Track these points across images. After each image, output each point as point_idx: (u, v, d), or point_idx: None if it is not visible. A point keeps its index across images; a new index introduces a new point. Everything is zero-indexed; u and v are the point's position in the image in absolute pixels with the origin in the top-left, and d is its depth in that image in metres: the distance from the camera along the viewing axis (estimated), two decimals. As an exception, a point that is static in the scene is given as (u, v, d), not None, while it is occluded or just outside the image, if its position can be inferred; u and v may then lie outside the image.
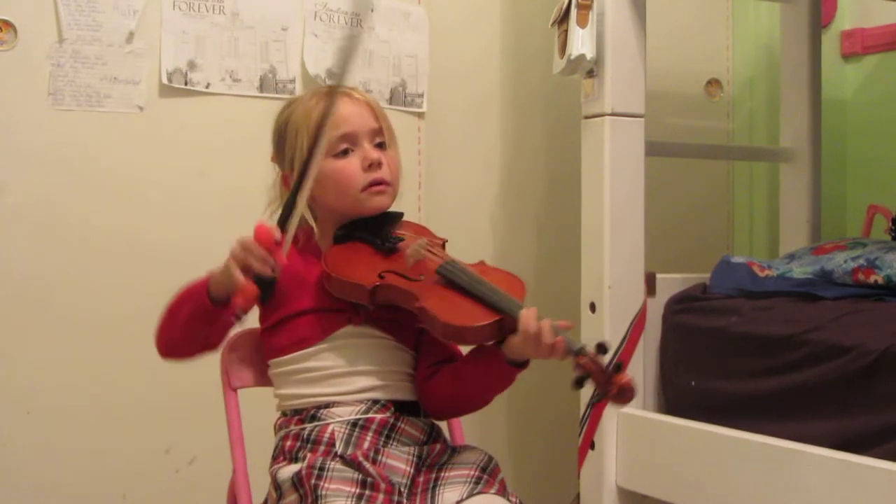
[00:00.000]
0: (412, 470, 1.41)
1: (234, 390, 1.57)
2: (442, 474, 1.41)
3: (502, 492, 1.41)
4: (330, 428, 1.41)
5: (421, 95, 2.39)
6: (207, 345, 1.46)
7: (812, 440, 1.67)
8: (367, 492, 1.33)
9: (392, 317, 1.45)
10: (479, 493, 1.38)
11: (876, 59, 2.72)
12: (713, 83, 2.80)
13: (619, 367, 1.30)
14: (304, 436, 1.42)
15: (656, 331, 2.08)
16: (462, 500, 1.37)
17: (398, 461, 1.41)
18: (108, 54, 2.06)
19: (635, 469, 1.98)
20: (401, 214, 1.56)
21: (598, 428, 2.01)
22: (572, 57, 1.97)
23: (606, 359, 1.30)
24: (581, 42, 1.97)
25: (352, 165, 1.48)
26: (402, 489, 1.38)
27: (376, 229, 1.51)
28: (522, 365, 1.40)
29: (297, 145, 1.49)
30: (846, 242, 2.06)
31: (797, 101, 2.43)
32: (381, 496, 1.33)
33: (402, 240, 1.50)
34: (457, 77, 2.46)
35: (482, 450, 1.46)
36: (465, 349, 1.49)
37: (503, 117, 2.55)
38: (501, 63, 2.54)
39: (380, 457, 1.40)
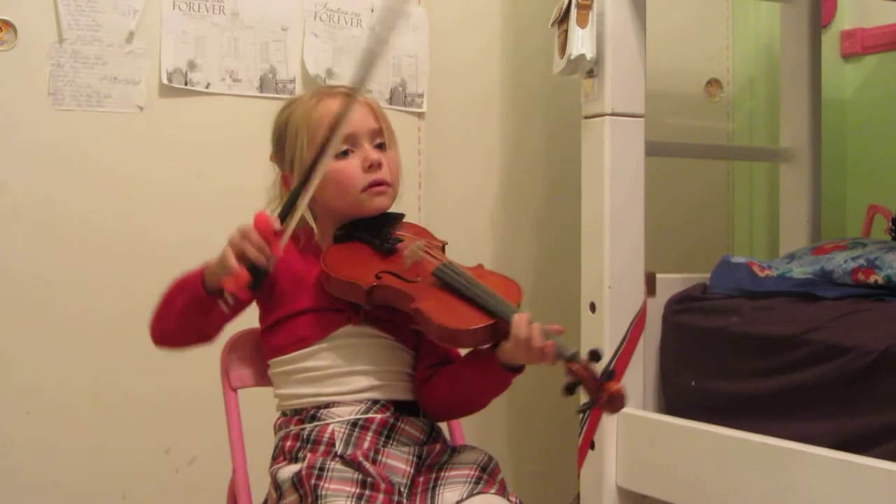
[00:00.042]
0: (412, 470, 1.41)
1: (234, 390, 1.57)
2: (442, 474, 1.41)
3: (502, 492, 1.41)
4: (330, 428, 1.41)
5: (421, 95, 2.39)
6: (202, 336, 1.46)
7: (812, 440, 1.66)
8: (366, 492, 1.33)
9: (392, 317, 1.45)
10: (478, 493, 1.38)
11: (876, 59, 2.72)
12: (713, 83, 2.80)
13: (612, 374, 1.29)
14: (304, 436, 1.42)
15: (656, 331, 2.08)
16: (462, 500, 1.37)
17: (398, 461, 1.41)
18: (108, 54, 2.06)
19: (635, 469, 1.98)
20: (402, 216, 1.57)
21: (598, 428, 2.01)
22: (572, 57, 1.97)
23: (599, 366, 1.30)
24: (581, 42, 1.97)
25: (352, 166, 1.48)
26: (402, 489, 1.38)
27: (376, 230, 1.51)
28: (517, 370, 1.40)
29: (297, 145, 1.50)
30: (846, 242, 2.06)
31: (797, 101, 2.43)
32: (380, 496, 1.33)
33: (401, 241, 1.50)
34: (457, 77, 2.46)
35: (482, 450, 1.46)
36: (463, 351, 1.50)
37: (503, 117, 2.55)
38: (501, 63, 2.54)
39: (380, 457, 1.40)
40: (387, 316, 1.45)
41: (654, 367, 2.09)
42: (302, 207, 1.40)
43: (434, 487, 1.39)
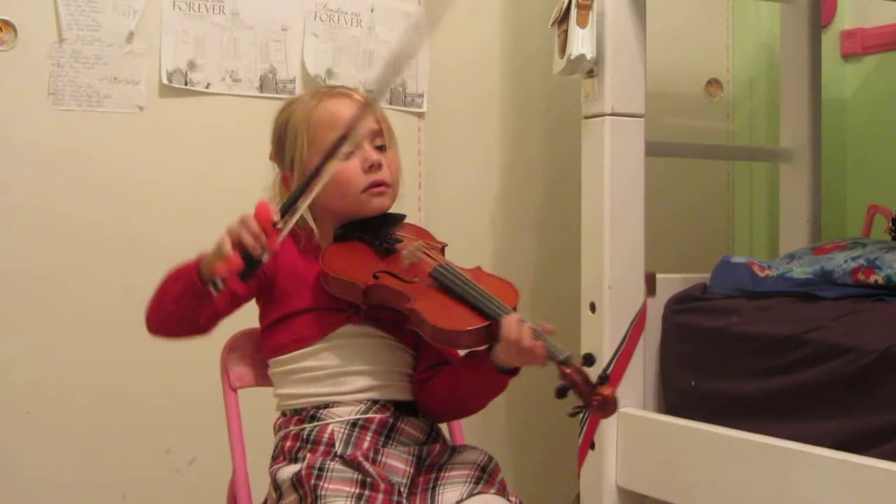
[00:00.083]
0: (412, 470, 1.41)
1: (234, 390, 1.57)
2: (442, 474, 1.41)
3: (502, 492, 1.41)
4: (329, 428, 1.41)
5: (421, 95, 2.39)
6: (196, 326, 1.44)
7: (812, 440, 1.66)
8: (366, 492, 1.33)
9: (392, 317, 1.45)
10: (478, 493, 1.38)
11: (876, 59, 2.72)
12: (713, 83, 2.80)
13: (605, 379, 1.29)
14: (304, 436, 1.42)
15: (656, 331, 2.08)
16: (462, 500, 1.37)
17: (398, 461, 1.41)
18: (108, 54, 2.06)
19: (635, 469, 1.98)
20: (403, 216, 1.57)
21: (598, 428, 2.01)
22: (572, 57, 1.97)
23: (592, 371, 1.30)
24: (581, 42, 1.97)
25: (352, 167, 1.48)
26: (402, 489, 1.38)
27: (376, 230, 1.51)
28: (512, 372, 1.40)
29: (297, 146, 1.50)
30: (846, 242, 2.06)
31: (797, 101, 2.43)
32: (380, 496, 1.33)
33: (400, 241, 1.50)
34: (457, 77, 2.46)
35: (482, 450, 1.46)
36: (461, 353, 1.50)
37: (503, 117, 2.55)
38: (501, 63, 2.54)
39: (379, 457, 1.40)
40: (387, 316, 1.45)
41: (654, 367, 2.09)
42: (302, 209, 1.40)
43: (434, 487, 1.40)
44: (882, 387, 1.63)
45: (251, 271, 1.32)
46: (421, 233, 1.59)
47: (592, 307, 2.02)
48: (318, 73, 2.26)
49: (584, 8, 1.97)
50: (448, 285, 1.41)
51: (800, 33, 2.43)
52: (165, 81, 2.11)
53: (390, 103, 2.33)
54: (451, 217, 2.41)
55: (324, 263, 1.44)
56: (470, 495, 1.38)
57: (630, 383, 2.01)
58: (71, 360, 2.04)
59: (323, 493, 1.32)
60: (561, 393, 1.29)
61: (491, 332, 1.36)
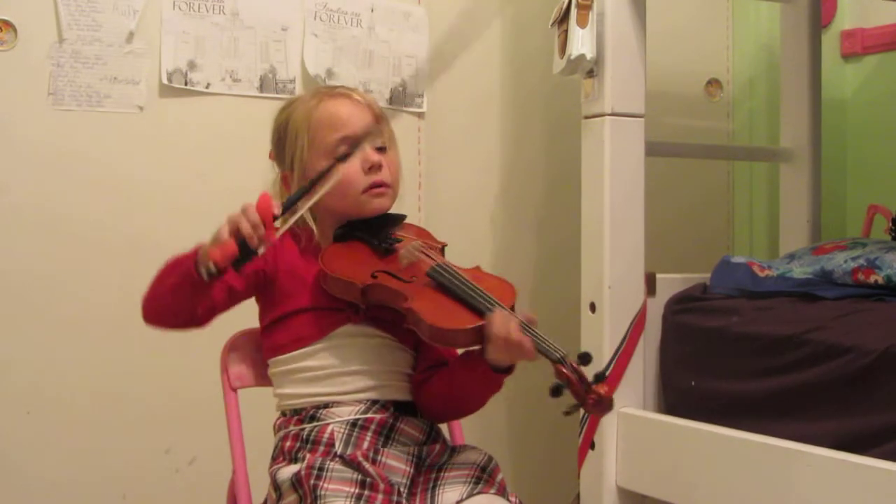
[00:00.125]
0: (412, 470, 1.41)
1: (234, 390, 1.57)
2: (442, 474, 1.41)
3: (502, 492, 1.41)
4: (329, 428, 1.41)
5: (421, 95, 2.39)
6: (193, 318, 1.43)
7: (812, 440, 1.66)
8: (366, 492, 1.33)
9: (392, 317, 1.45)
10: (478, 493, 1.38)
11: (876, 59, 2.72)
12: (713, 83, 2.80)
13: (601, 377, 1.29)
14: (304, 436, 1.42)
15: (656, 331, 2.08)
16: (462, 500, 1.37)
17: (398, 461, 1.41)
18: (108, 54, 2.06)
19: (635, 469, 1.98)
20: (403, 217, 1.57)
21: (598, 428, 2.01)
22: (572, 57, 1.97)
23: (588, 369, 1.30)
24: (581, 42, 1.97)
25: (352, 168, 1.48)
26: (402, 489, 1.38)
27: (376, 230, 1.51)
28: (507, 371, 1.40)
29: (297, 146, 1.50)
30: (846, 242, 2.06)
31: (797, 101, 2.43)
32: (380, 496, 1.33)
33: (399, 241, 1.51)
34: (457, 77, 2.46)
35: (482, 450, 1.46)
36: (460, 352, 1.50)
37: (503, 117, 2.55)
38: (501, 63, 2.54)
39: (379, 457, 1.40)
40: (387, 316, 1.45)
41: (654, 367, 2.09)
42: (303, 210, 1.40)
43: (434, 487, 1.40)
44: (882, 387, 1.63)
45: (245, 261, 1.31)
46: (421, 233, 1.59)
47: (592, 307, 2.02)
48: (318, 73, 2.26)
49: (584, 8, 1.97)
50: (445, 284, 1.42)
51: (800, 33, 2.43)
52: (165, 81, 2.11)
53: (390, 103, 2.33)
54: (451, 217, 2.41)
55: (323, 263, 1.45)
56: (470, 495, 1.38)
57: (630, 383, 2.01)
58: (71, 360, 2.04)
59: (322, 493, 1.32)
60: (556, 391, 1.29)
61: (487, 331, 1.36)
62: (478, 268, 1.51)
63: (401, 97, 2.36)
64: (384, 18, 2.34)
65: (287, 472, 1.40)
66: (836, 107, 2.70)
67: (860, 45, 2.73)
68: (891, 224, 2.34)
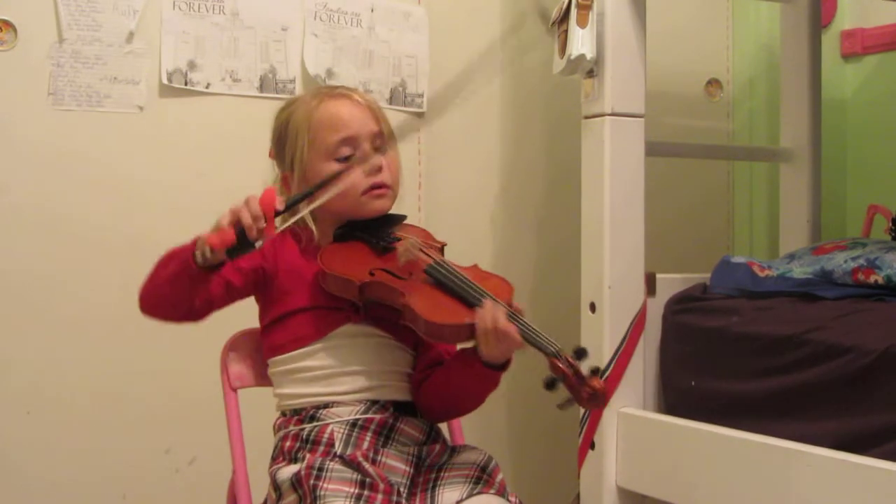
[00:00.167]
0: (412, 470, 1.41)
1: (234, 390, 1.57)
2: (442, 474, 1.41)
3: (502, 492, 1.41)
4: (329, 428, 1.41)
5: (421, 95, 2.39)
6: (190, 310, 1.43)
7: (812, 440, 1.66)
8: (365, 492, 1.33)
9: (392, 316, 1.45)
10: (478, 493, 1.38)
11: (876, 59, 2.72)
12: (713, 83, 2.80)
13: (596, 372, 1.30)
14: (304, 436, 1.42)
15: (656, 331, 2.08)
16: (462, 500, 1.37)
17: (397, 461, 1.41)
18: (108, 54, 2.06)
19: (635, 469, 1.98)
20: (403, 217, 1.57)
21: (598, 428, 2.01)
22: (572, 57, 1.97)
23: (584, 364, 1.30)
24: (581, 42, 1.97)
25: (353, 170, 1.48)
26: (402, 489, 1.38)
27: (376, 230, 1.51)
28: (502, 367, 1.40)
29: (297, 146, 1.50)
30: (846, 242, 2.06)
31: (797, 101, 2.43)
32: (379, 496, 1.33)
33: (398, 240, 1.51)
34: (457, 77, 2.46)
35: (482, 450, 1.46)
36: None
37: (503, 117, 2.55)
38: (501, 63, 2.54)
39: (379, 457, 1.40)
40: (387, 315, 1.45)
41: (654, 367, 2.09)
42: (304, 212, 1.40)
43: (434, 487, 1.40)
44: (882, 387, 1.63)
45: (241, 251, 1.31)
46: (421, 234, 1.59)
47: (592, 307, 2.02)
48: (318, 73, 2.25)
49: (584, 8, 1.97)
50: (442, 281, 1.42)
51: (800, 33, 2.43)
52: (165, 81, 2.11)
53: (390, 103, 2.33)
54: (451, 217, 2.41)
55: (321, 261, 1.45)
56: (470, 495, 1.38)
57: (630, 383, 2.01)
58: (71, 360, 2.04)
59: (322, 493, 1.32)
60: (550, 385, 1.29)
61: None
62: (475, 266, 1.51)
63: (401, 97, 2.36)
64: (384, 18, 2.34)
65: (287, 472, 1.40)
66: (836, 107, 2.70)
67: (860, 45, 2.73)
68: (891, 224, 2.34)
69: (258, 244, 1.31)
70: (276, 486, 1.41)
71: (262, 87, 2.20)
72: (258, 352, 1.55)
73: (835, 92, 2.70)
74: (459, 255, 1.53)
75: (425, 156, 2.39)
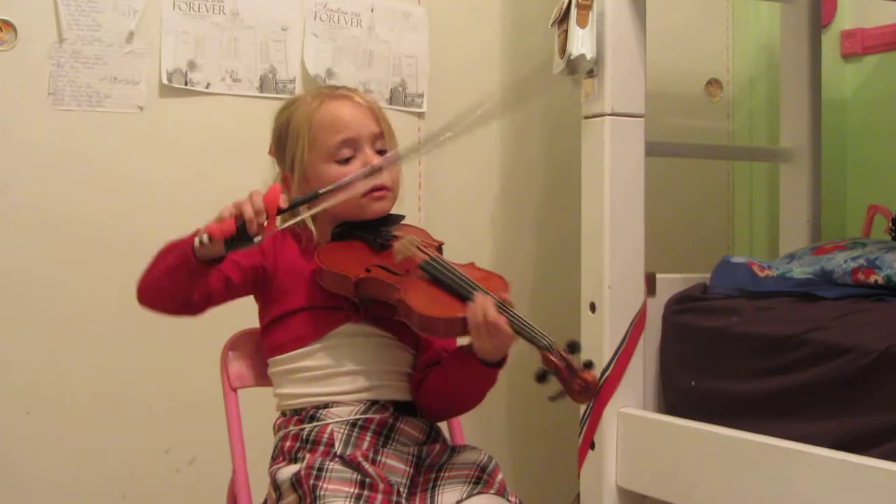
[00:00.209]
0: (412, 470, 1.41)
1: (234, 390, 1.57)
2: (441, 474, 1.41)
3: (502, 492, 1.41)
4: (329, 428, 1.41)
5: (421, 95, 2.39)
6: (188, 304, 1.42)
7: (812, 440, 1.66)
8: (365, 492, 1.33)
9: (392, 315, 1.45)
10: (478, 493, 1.38)
11: (876, 59, 2.72)
12: (713, 83, 2.80)
13: (590, 365, 1.30)
14: (304, 436, 1.42)
15: (656, 331, 2.08)
16: (462, 501, 1.37)
17: (397, 461, 1.41)
18: (108, 54, 2.06)
19: (635, 469, 1.98)
20: (402, 217, 1.57)
21: (598, 428, 2.01)
22: (572, 57, 1.97)
23: (576, 358, 1.31)
24: (581, 42, 1.97)
25: (353, 171, 1.48)
26: (402, 489, 1.38)
27: (374, 229, 1.51)
28: (497, 364, 1.40)
29: (297, 147, 1.50)
30: (846, 242, 2.06)
31: (797, 101, 2.43)
32: (379, 496, 1.33)
33: (396, 237, 1.51)
34: (457, 77, 2.46)
35: (482, 450, 1.46)
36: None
37: (503, 117, 2.55)
38: (501, 63, 2.54)
39: (379, 457, 1.40)
40: (387, 314, 1.45)
41: (654, 367, 2.09)
42: (304, 215, 1.40)
43: (434, 488, 1.40)
44: (882, 387, 1.63)
45: (239, 244, 1.31)
46: (419, 233, 1.59)
47: (592, 307, 2.02)
48: (318, 73, 2.25)
49: (584, 8, 1.97)
50: (437, 276, 1.42)
51: (800, 33, 2.43)
52: (165, 81, 2.11)
53: (390, 103, 2.33)
54: (451, 217, 2.41)
55: (318, 258, 1.45)
56: (470, 495, 1.38)
57: (630, 383, 2.01)
58: (71, 360, 2.04)
59: (322, 493, 1.32)
60: (541, 377, 1.30)
61: None
62: (472, 264, 1.51)
63: (401, 97, 2.36)
64: (384, 18, 2.34)
65: (287, 472, 1.40)
66: (836, 107, 2.70)
67: (860, 45, 2.73)
68: (891, 224, 2.34)
69: (257, 240, 1.31)
70: (276, 486, 1.41)
71: (262, 87, 2.20)
72: (258, 352, 1.55)
73: (835, 92, 2.70)
74: (459, 256, 1.53)
75: (425, 156, 2.39)
